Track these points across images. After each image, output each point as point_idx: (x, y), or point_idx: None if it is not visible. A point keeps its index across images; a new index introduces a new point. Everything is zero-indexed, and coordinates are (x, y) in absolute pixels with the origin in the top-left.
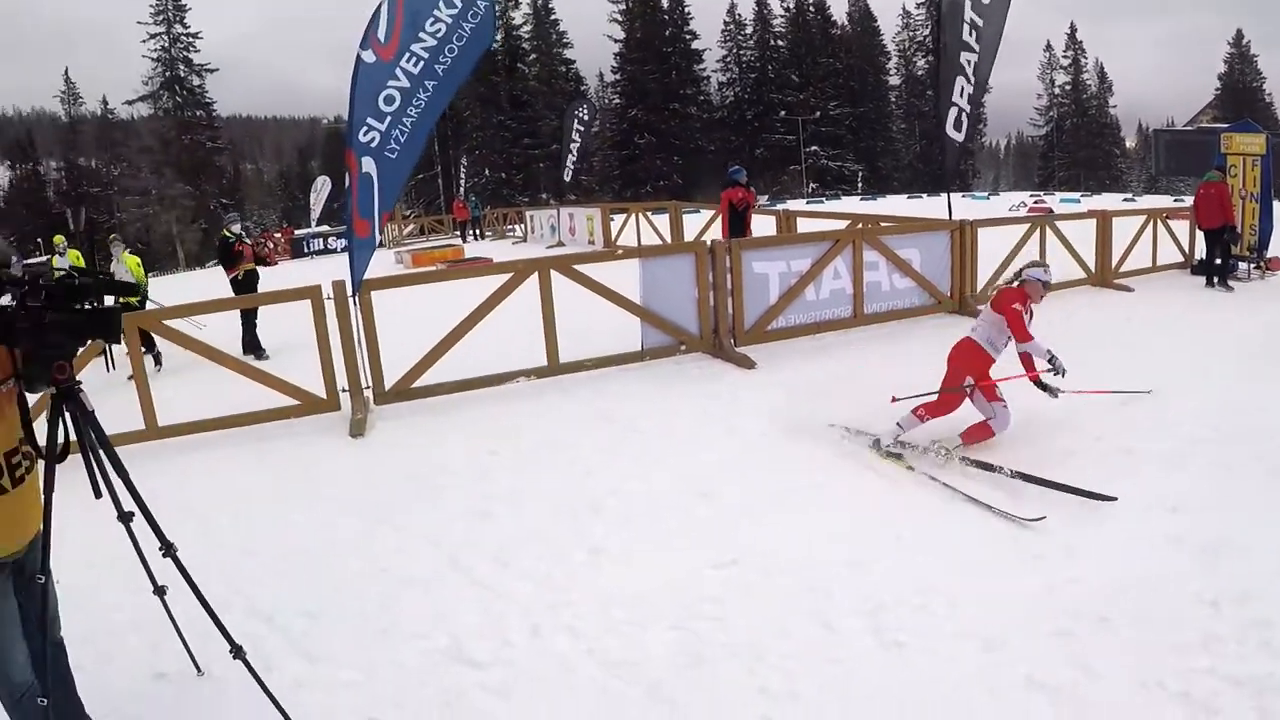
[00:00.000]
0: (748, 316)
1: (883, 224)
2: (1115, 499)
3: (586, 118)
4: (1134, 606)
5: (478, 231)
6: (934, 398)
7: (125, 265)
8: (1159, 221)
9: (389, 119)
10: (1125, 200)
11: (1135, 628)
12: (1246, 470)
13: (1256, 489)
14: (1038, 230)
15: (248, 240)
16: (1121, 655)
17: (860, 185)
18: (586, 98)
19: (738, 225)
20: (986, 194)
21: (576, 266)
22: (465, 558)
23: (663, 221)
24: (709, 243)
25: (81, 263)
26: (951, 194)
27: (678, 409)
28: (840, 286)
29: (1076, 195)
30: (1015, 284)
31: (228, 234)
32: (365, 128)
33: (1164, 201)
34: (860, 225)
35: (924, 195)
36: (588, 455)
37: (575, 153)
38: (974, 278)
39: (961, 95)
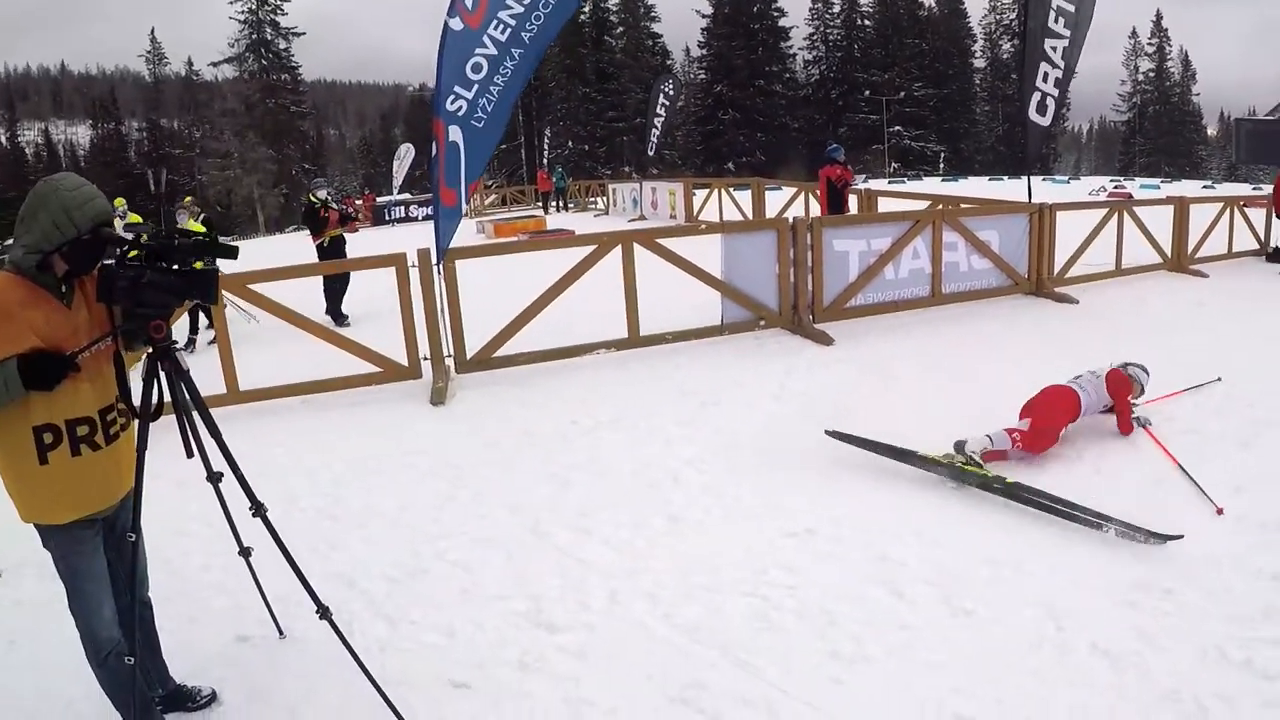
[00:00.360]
0: (827, 293)
1: (962, 205)
2: (1180, 537)
3: (672, 92)
4: (1197, 580)
5: (560, 203)
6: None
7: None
8: (1236, 209)
9: (476, 87)
10: (1204, 187)
11: (1198, 600)
12: None
13: None
14: (1116, 215)
15: (334, 206)
16: (1184, 625)
17: (942, 166)
18: (672, 72)
19: (836, 202)
20: (1067, 178)
21: (660, 240)
22: (545, 523)
23: (745, 197)
24: (791, 219)
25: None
26: (1032, 177)
27: (756, 383)
28: (919, 266)
29: (1156, 181)
30: (1123, 369)
31: (313, 199)
32: (452, 96)
33: (1243, 189)
34: (940, 206)
35: (1005, 178)
36: (667, 426)
37: (659, 127)
38: (1051, 261)
39: (1046, 80)
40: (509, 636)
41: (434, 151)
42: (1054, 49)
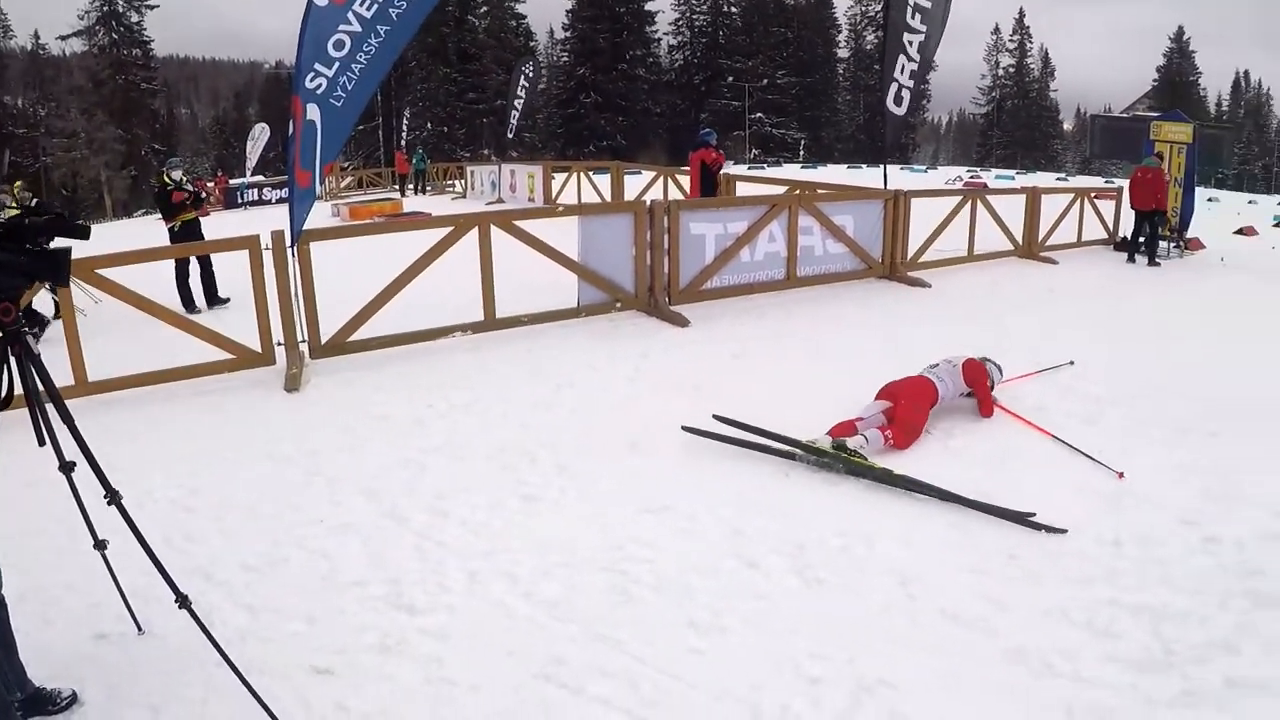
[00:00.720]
0: (683, 276)
1: (819, 191)
2: (1033, 515)
3: (532, 75)
4: (1040, 546)
5: (419, 186)
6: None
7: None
8: (1086, 200)
9: (337, 65)
10: (1058, 179)
11: (1042, 564)
12: (1151, 425)
13: (1159, 441)
14: (969, 203)
15: (189, 188)
16: (1030, 589)
17: (802, 153)
18: (534, 55)
19: (709, 185)
20: (925, 167)
21: (517, 222)
22: (402, 508)
23: (604, 181)
24: (649, 202)
25: None
26: (890, 166)
27: (611, 365)
28: (775, 250)
29: (1011, 173)
30: (981, 361)
31: (167, 180)
32: (313, 73)
33: (1095, 182)
34: (798, 191)
35: (863, 166)
36: (522, 409)
37: (519, 110)
38: (905, 246)
39: (903, 72)
40: (369, 621)
41: (290, 131)
42: (911, 43)
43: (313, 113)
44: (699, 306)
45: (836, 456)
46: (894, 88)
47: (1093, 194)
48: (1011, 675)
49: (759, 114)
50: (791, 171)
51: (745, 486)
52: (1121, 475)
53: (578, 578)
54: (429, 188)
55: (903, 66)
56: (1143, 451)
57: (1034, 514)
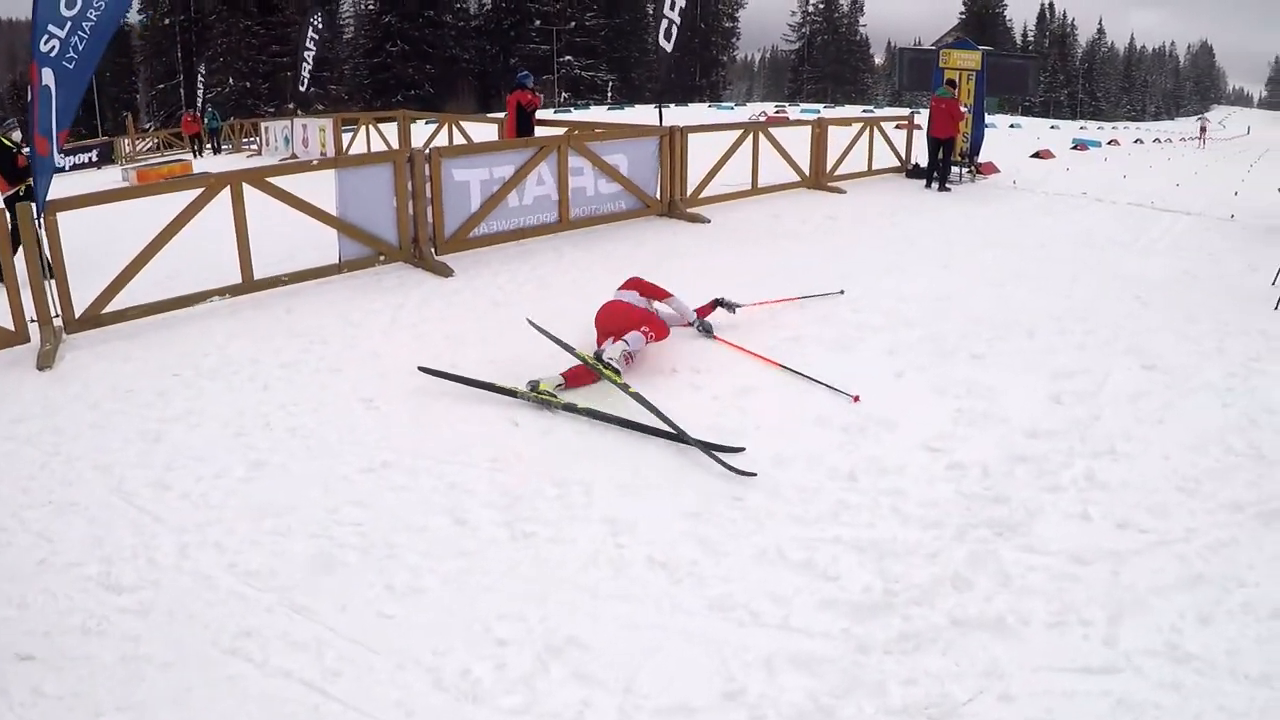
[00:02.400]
0: (449, 225)
1: (597, 130)
2: (742, 449)
3: (322, 26)
4: (771, 482)
5: (215, 144)
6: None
7: None
8: (875, 129)
9: (69, 24)
10: (864, 111)
11: (766, 503)
12: (913, 350)
13: (917, 366)
14: (751, 136)
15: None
16: (747, 530)
17: (610, 95)
18: (328, 5)
19: (525, 127)
20: (733, 104)
21: (271, 179)
22: (129, 482)
23: (393, 131)
24: (409, 151)
25: None
26: (699, 104)
27: (366, 320)
28: (545, 193)
29: (818, 106)
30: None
31: (7, 142)
32: (46, 35)
33: (903, 112)
34: (576, 132)
35: (672, 105)
36: (268, 371)
37: (310, 62)
38: (684, 182)
39: (673, 8)
40: (77, 603)
41: (29, 97)
42: None
43: (48, 77)
44: (467, 255)
45: (548, 402)
46: (664, 23)
47: (898, 124)
48: (712, 626)
49: (568, 57)
50: (599, 113)
51: (471, 438)
52: (857, 399)
53: (285, 545)
54: (227, 146)
55: (672, 2)
56: (897, 377)
57: (743, 448)
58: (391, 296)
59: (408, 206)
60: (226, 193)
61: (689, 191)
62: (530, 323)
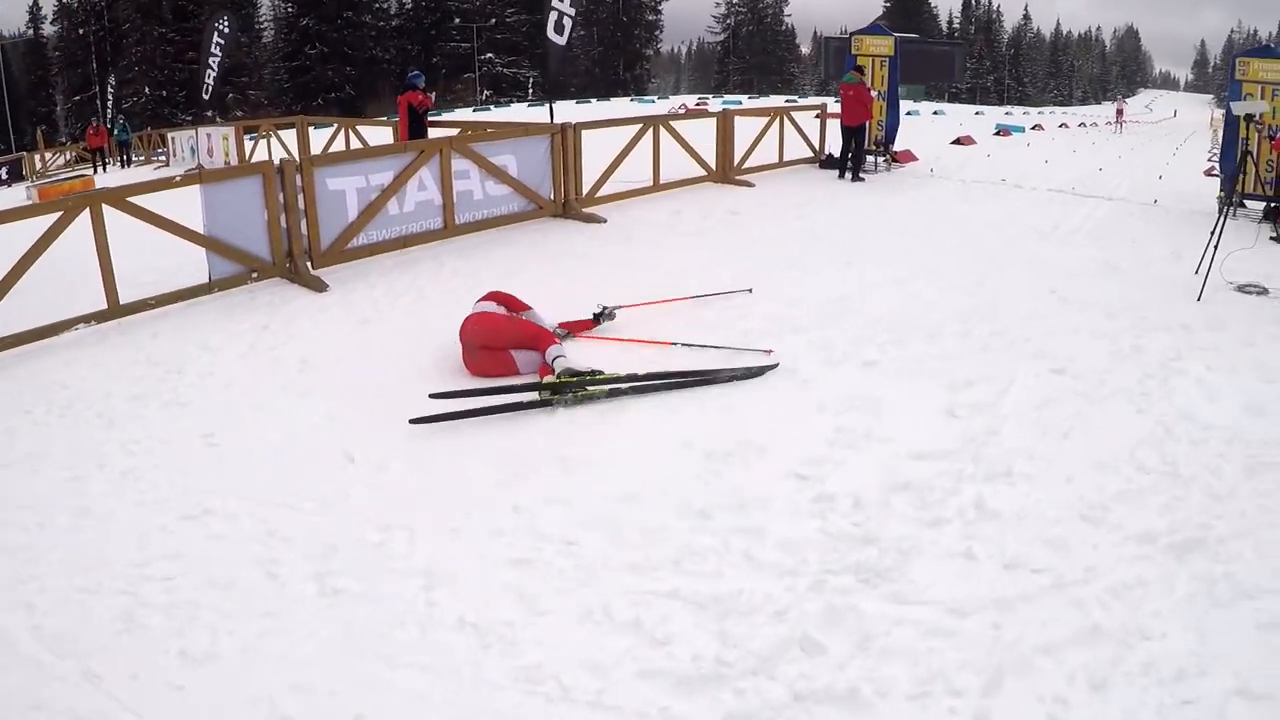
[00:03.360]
0: (325, 236)
1: (489, 130)
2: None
3: (228, 30)
4: (614, 522)
5: (126, 157)
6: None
7: None
8: (785, 119)
9: None
10: (787, 100)
11: (607, 547)
12: (798, 357)
13: (801, 376)
14: (651, 130)
15: None
16: (577, 583)
17: (531, 92)
18: (229, 7)
19: (417, 129)
20: (655, 98)
21: (132, 199)
22: None
23: (293, 137)
24: (278, 161)
25: None
26: (622, 98)
27: (227, 345)
28: (428, 198)
29: (741, 98)
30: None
31: None
32: None
33: (829, 100)
34: (470, 132)
35: (593, 100)
36: (118, 405)
37: (215, 68)
38: (579, 181)
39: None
40: None
41: None
42: None
43: None
44: (347, 267)
45: (582, 381)
46: (554, 16)
47: (788, 112)
48: (516, 703)
49: (489, 54)
50: (519, 111)
51: (303, 477)
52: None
53: (92, 604)
54: (138, 158)
55: None
56: (776, 389)
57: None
58: (259, 316)
59: (280, 219)
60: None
61: (585, 191)
62: (434, 397)
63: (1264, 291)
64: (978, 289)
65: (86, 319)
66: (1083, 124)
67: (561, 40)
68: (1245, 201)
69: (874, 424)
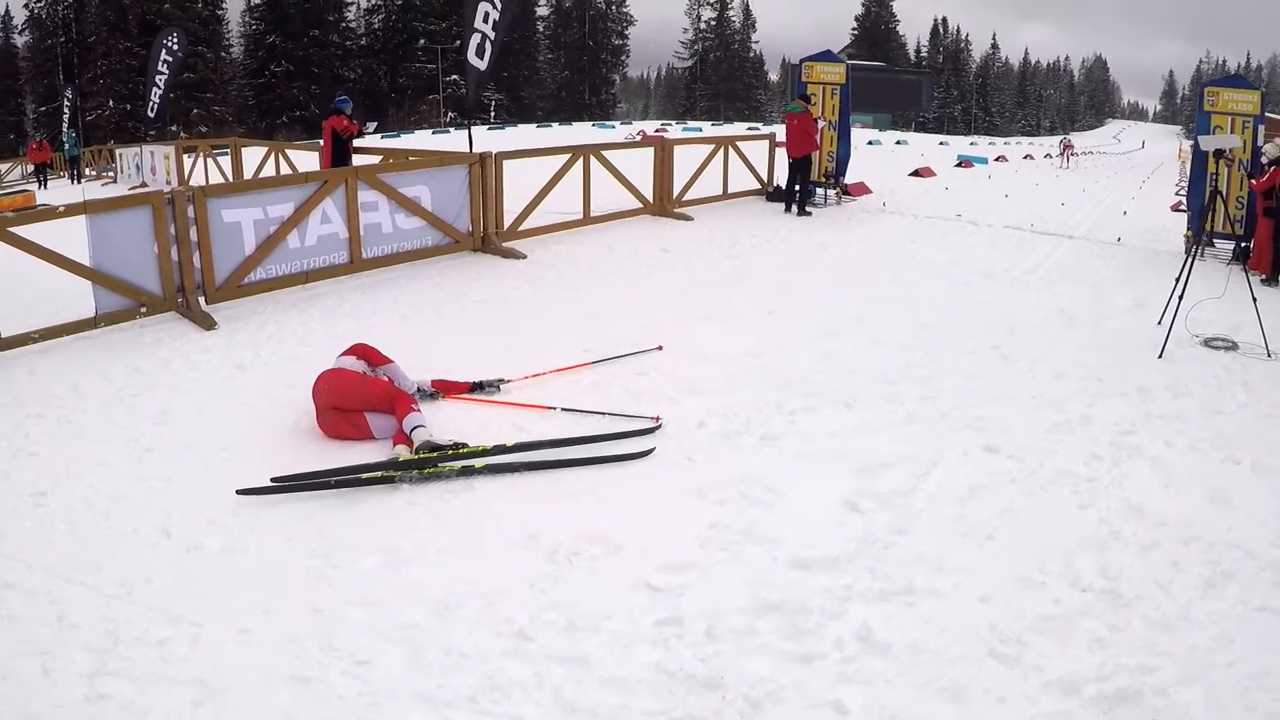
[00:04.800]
0: (220, 270)
1: (410, 159)
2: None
3: (176, 48)
4: (415, 644)
5: (73, 173)
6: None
7: None
8: (730, 149)
9: None
10: (749, 128)
11: (401, 671)
12: (684, 434)
13: (682, 457)
14: (581, 160)
15: None
16: (355, 715)
17: (492, 115)
18: (178, 25)
19: (341, 155)
20: (615, 124)
21: (13, 229)
22: None
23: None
24: (167, 192)
25: None
26: (583, 123)
27: (95, 389)
28: (331, 231)
29: (700, 125)
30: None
31: None
32: None
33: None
34: (391, 160)
35: (555, 124)
36: None
37: (161, 86)
38: (499, 213)
39: (486, 20)
40: None
41: None
42: None
43: None
44: (244, 302)
45: (443, 456)
46: (476, 38)
47: (733, 142)
48: None
49: (454, 76)
50: (479, 135)
51: (116, 553)
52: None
53: None
54: (89, 173)
55: (486, 14)
56: (653, 469)
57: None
58: (136, 356)
59: (170, 252)
60: None
61: (507, 224)
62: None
63: (1233, 346)
64: (912, 344)
65: None
66: (1048, 155)
67: (482, 65)
68: (1214, 240)
69: (758, 518)
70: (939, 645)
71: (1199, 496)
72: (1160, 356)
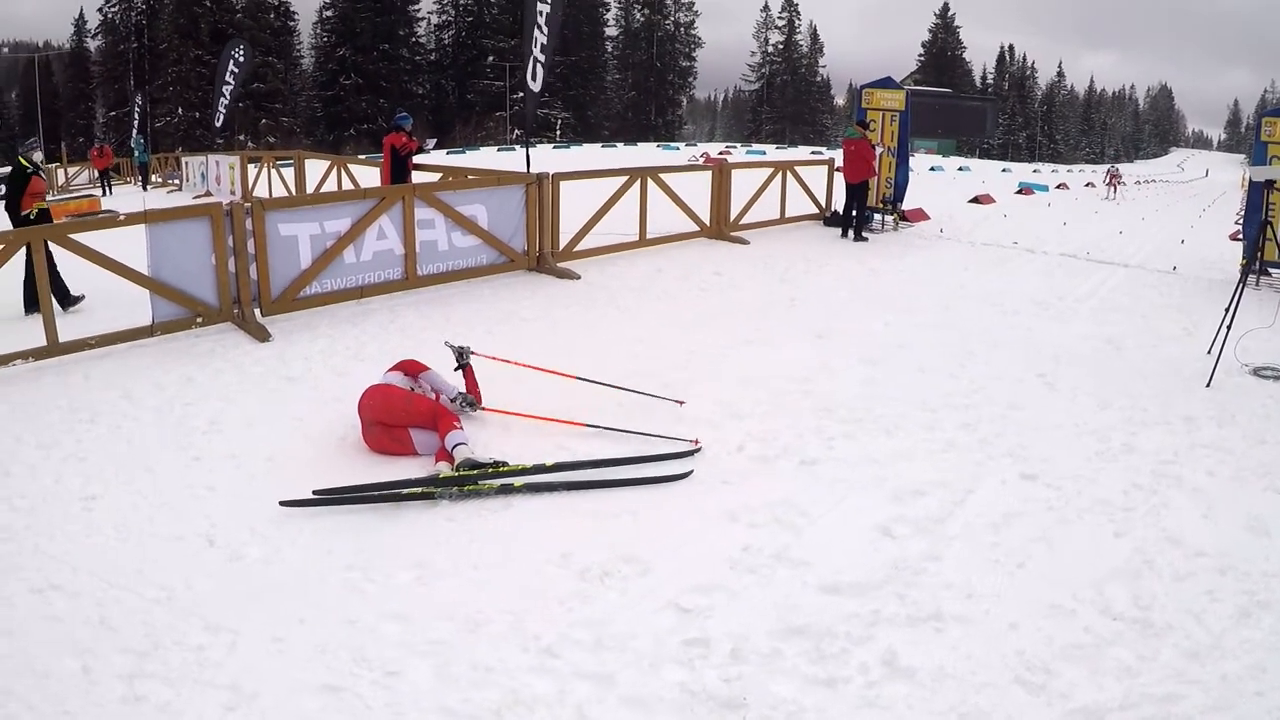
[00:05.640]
0: (276, 283)
1: (469, 177)
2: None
3: (242, 59)
4: (448, 650)
5: (144, 180)
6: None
7: None
8: (788, 173)
9: None
10: (813, 153)
11: (428, 684)
12: (726, 457)
13: (718, 480)
14: (639, 182)
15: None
16: None
17: (557, 133)
18: (249, 35)
19: (400, 171)
20: (680, 145)
21: (73, 236)
22: None
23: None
24: (227, 204)
25: None
26: (648, 144)
27: (147, 396)
28: (387, 247)
29: (764, 148)
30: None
31: (25, 164)
32: None
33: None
34: (450, 178)
35: (619, 144)
36: (21, 454)
37: (227, 96)
38: (555, 234)
39: (535, 45)
40: None
41: None
42: (541, 13)
43: None
44: (298, 316)
45: (483, 474)
46: (531, 64)
47: (792, 166)
48: None
49: (520, 94)
50: (543, 154)
51: (160, 559)
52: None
53: None
54: (156, 180)
55: (536, 40)
56: (686, 496)
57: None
58: (190, 366)
59: (228, 264)
60: None
61: (563, 244)
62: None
63: None
64: (957, 372)
65: (25, 355)
66: (1089, 184)
67: (536, 86)
68: (1269, 269)
69: (790, 542)
70: (964, 671)
71: (1238, 526)
72: (1208, 385)
